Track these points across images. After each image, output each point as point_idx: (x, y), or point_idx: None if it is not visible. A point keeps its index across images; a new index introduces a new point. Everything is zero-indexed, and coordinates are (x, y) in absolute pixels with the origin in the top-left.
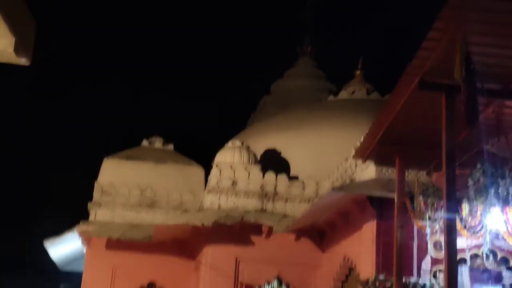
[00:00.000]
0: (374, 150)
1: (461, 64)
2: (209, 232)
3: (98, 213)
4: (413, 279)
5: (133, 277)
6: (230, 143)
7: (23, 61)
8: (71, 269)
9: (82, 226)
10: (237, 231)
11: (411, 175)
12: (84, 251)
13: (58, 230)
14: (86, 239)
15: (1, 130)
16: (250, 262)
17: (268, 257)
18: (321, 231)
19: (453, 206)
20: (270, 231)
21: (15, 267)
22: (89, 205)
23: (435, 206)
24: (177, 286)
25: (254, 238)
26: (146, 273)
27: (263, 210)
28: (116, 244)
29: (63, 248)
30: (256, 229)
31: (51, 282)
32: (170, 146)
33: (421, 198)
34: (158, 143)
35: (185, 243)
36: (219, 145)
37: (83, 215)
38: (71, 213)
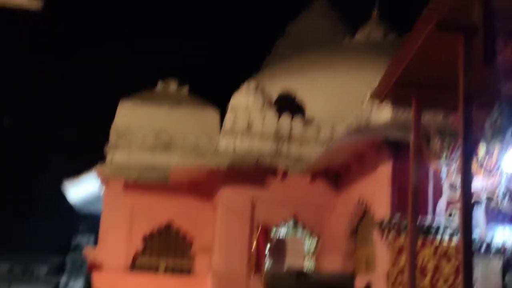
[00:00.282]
0: (391, 92)
1: (480, 4)
2: (224, 174)
3: (115, 156)
4: (428, 220)
5: (151, 217)
6: (245, 86)
7: (35, 3)
8: (90, 210)
9: (100, 168)
10: (253, 173)
11: (427, 117)
12: (102, 193)
13: (76, 172)
14: (104, 181)
15: (20, 72)
16: (266, 203)
17: (283, 198)
18: (336, 173)
19: (470, 147)
20: (285, 173)
21: (34, 210)
22: (106, 147)
23: (452, 147)
24: (194, 227)
25: (269, 180)
26: (163, 214)
27: (278, 153)
28: (133, 186)
29: (81, 190)
30: (272, 171)
31: (70, 223)
32: (185, 89)
33: (437, 139)
34: (173, 85)
35: (201, 185)
36: (234, 87)
37: (101, 158)
38: (89, 156)
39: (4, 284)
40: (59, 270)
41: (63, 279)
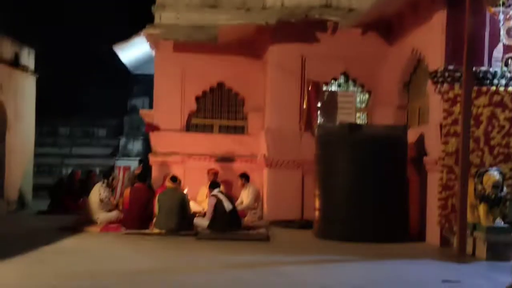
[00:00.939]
0: None
1: None
2: (273, 30)
3: (163, 16)
4: (484, 68)
5: (202, 78)
6: None
7: None
8: (143, 71)
9: (149, 30)
10: (302, 28)
11: None
12: (153, 54)
13: (126, 35)
14: (154, 42)
15: None
16: (316, 59)
17: (334, 53)
18: (388, 24)
19: None
20: (335, 26)
21: (88, 75)
22: (153, 8)
23: None
24: (245, 86)
25: (319, 34)
26: (214, 74)
27: (327, 5)
28: (183, 46)
29: (133, 52)
30: (321, 25)
31: (124, 87)
32: None
33: None
34: None
35: (250, 43)
36: None
37: (149, 20)
38: (137, 18)
39: (65, 148)
40: (118, 132)
41: (122, 141)
